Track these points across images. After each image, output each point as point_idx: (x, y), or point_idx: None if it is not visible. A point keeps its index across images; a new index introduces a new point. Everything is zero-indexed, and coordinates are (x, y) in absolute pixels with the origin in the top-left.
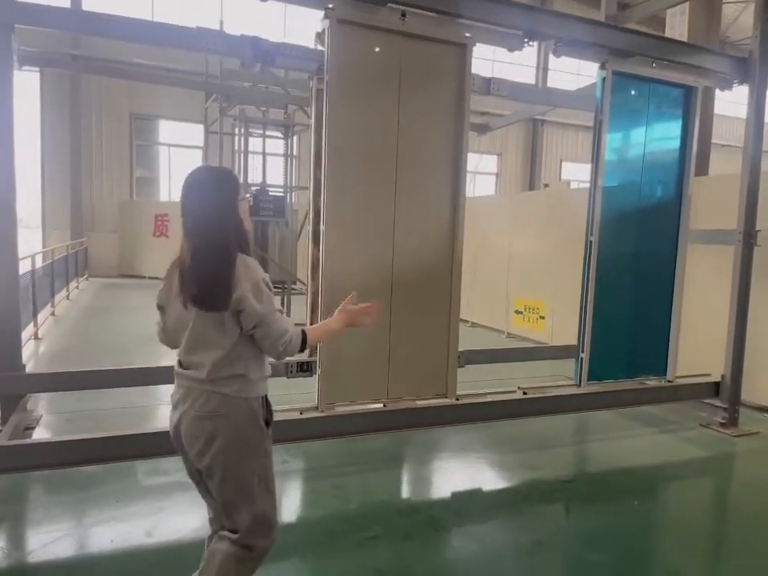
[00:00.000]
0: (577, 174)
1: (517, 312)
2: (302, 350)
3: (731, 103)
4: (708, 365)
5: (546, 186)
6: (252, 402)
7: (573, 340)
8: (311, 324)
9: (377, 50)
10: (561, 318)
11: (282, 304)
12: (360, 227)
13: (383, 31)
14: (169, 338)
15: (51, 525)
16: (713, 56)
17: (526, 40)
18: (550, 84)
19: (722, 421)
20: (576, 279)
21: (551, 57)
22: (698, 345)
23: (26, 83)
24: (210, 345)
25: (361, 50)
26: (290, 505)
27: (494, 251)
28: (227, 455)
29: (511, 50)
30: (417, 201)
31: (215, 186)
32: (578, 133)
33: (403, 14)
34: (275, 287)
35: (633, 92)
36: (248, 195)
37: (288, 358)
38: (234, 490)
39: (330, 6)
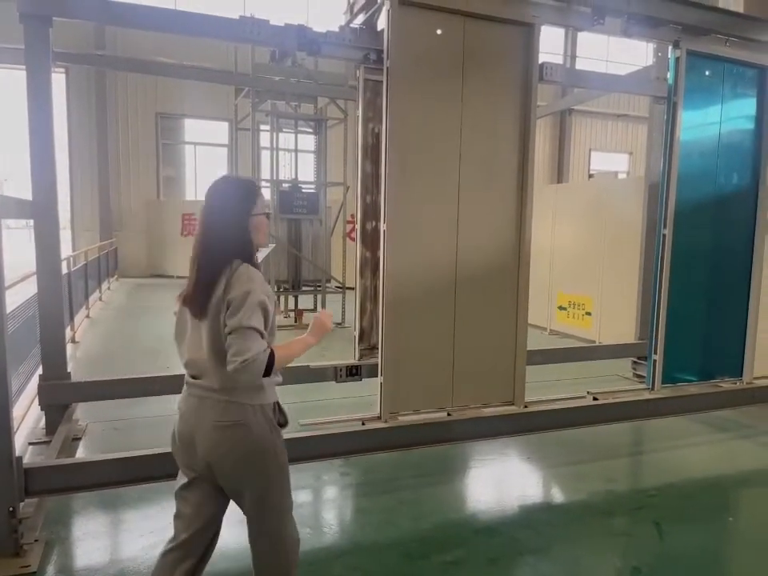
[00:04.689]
0: (606, 164)
1: (560, 308)
2: (266, 375)
3: None
4: None
5: (591, 176)
6: (267, 409)
7: (622, 337)
8: (361, 326)
9: (439, 32)
10: (609, 315)
11: (316, 304)
12: (422, 224)
13: (445, 12)
14: (178, 346)
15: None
16: None
17: (595, 18)
18: None
19: None
20: (626, 274)
21: (579, 43)
22: None
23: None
24: (216, 353)
25: (422, 32)
26: (362, 524)
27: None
28: (252, 462)
29: (579, 29)
30: (481, 195)
31: (224, 196)
32: (606, 121)
33: None
34: (309, 286)
35: (707, 72)
36: (268, 212)
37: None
38: (263, 495)
39: None
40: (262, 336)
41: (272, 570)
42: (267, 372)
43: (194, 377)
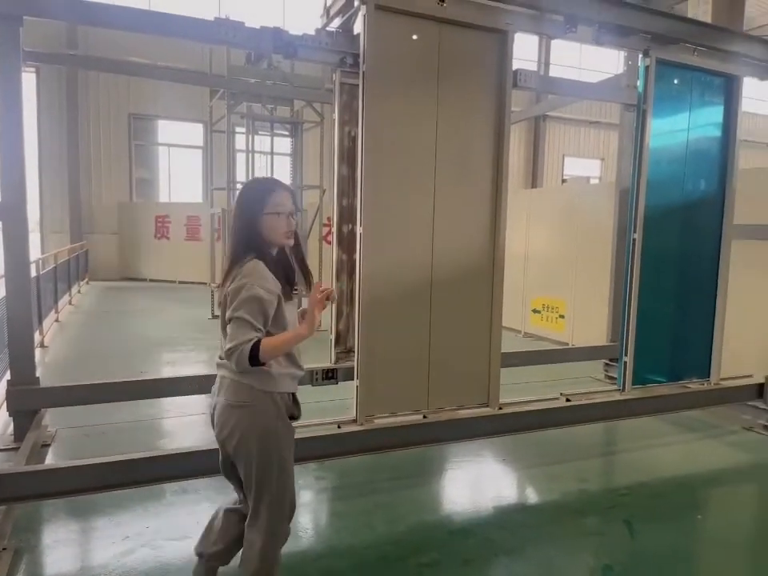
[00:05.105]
0: (579, 169)
1: (534, 311)
2: (254, 364)
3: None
4: (750, 365)
5: (564, 181)
6: (276, 397)
7: (595, 340)
8: (337, 329)
9: (414, 37)
10: (582, 318)
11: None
12: (398, 227)
13: (421, 17)
14: None
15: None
16: (759, 44)
17: (567, 26)
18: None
19: (766, 423)
20: (599, 277)
21: (552, 51)
22: (739, 344)
23: (23, 83)
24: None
25: (399, 37)
26: (338, 527)
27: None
28: (251, 443)
29: (552, 37)
30: (456, 198)
31: (242, 195)
32: (579, 128)
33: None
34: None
35: (675, 81)
36: (279, 212)
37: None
38: (255, 476)
39: None
40: (254, 328)
41: (257, 561)
42: (254, 361)
43: (221, 357)
